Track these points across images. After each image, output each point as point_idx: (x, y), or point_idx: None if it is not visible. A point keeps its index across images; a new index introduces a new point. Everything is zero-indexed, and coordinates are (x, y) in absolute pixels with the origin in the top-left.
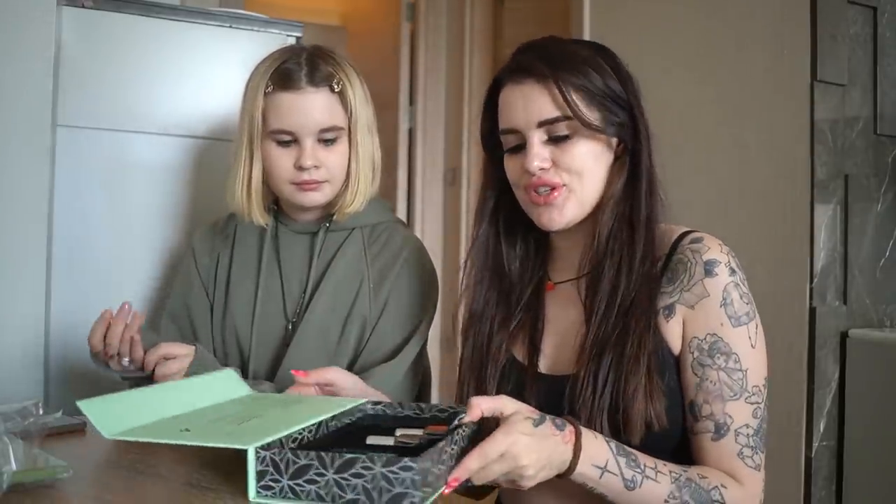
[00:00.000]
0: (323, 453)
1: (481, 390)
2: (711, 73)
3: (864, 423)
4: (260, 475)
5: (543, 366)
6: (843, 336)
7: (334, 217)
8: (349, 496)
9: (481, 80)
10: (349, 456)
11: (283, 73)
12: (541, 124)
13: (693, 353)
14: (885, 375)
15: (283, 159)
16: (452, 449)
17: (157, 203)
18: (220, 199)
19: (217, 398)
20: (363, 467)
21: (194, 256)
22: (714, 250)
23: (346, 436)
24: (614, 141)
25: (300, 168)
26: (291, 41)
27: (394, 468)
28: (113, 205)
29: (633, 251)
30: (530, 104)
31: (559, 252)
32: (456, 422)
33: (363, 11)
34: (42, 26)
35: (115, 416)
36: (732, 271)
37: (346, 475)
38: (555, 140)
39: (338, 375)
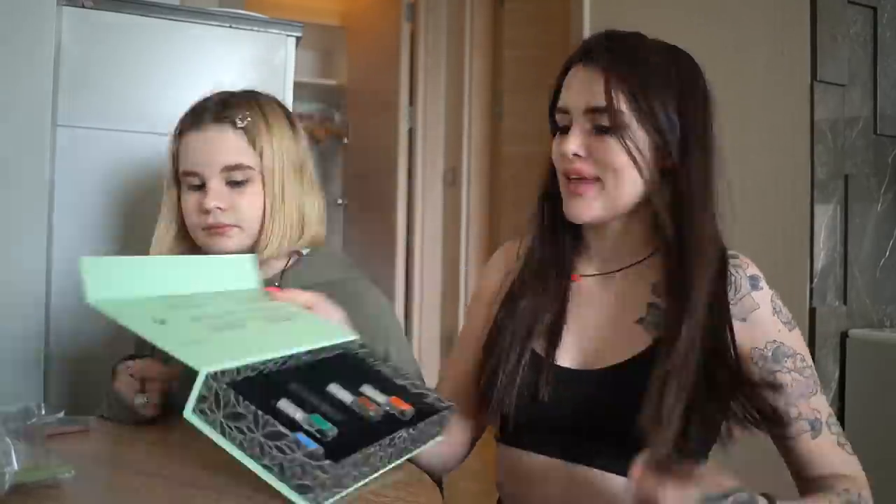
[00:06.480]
0: (260, 413)
1: (493, 373)
2: (711, 73)
3: (864, 423)
4: (201, 399)
5: (562, 358)
6: (843, 336)
7: (264, 256)
8: (265, 461)
9: (481, 80)
10: (280, 429)
11: (192, 113)
12: (587, 111)
13: (757, 363)
14: (885, 375)
15: (191, 203)
16: (386, 452)
17: (157, 203)
18: None
19: (221, 285)
20: (287, 446)
21: None
22: (753, 266)
23: (312, 370)
24: (657, 150)
25: (205, 211)
26: (291, 41)
27: (312, 462)
28: (113, 205)
29: (702, 273)
30: (585, 88)
31: (589, 245)
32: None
33: (363, 11)
34: (42, 26)
35: (111, 279)
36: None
37: (271, 443)
38: (598, 130)
39: (317, 301)
